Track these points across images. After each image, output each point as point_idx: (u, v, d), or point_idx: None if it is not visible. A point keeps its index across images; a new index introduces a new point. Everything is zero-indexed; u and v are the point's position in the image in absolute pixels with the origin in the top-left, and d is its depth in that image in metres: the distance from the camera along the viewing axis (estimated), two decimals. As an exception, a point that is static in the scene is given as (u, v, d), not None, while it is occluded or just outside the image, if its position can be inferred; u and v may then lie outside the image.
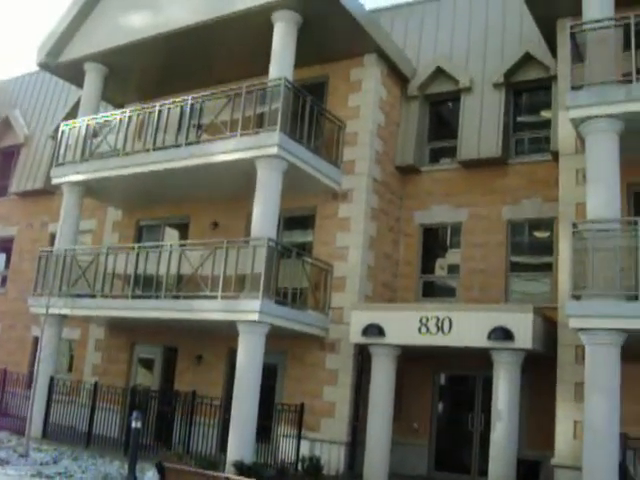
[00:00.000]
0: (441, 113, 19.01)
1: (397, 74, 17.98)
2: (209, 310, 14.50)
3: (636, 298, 10.62)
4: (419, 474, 15.90)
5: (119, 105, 20.97)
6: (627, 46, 11.54)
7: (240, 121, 15.08)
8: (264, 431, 14.57)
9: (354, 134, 16.69)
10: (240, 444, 13.47)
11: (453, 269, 17.39)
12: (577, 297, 11.14)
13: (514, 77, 17.28)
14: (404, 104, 18.36)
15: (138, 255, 16.21)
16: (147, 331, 18.43)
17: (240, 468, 12.59)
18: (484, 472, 13.46)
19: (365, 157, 16.52)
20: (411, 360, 15.66)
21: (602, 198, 11.32)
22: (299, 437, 15.02)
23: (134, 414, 13.36)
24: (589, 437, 10.68)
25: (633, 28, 11.39)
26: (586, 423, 10.83)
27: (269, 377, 15.40)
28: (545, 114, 16.98)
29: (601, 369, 10.74)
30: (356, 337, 14.66)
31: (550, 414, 13.01)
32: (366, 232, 16.21)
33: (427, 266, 17.76)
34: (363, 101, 16.85)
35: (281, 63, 15.42)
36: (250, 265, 14.07)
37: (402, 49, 18.55)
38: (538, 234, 16.55)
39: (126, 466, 13.36)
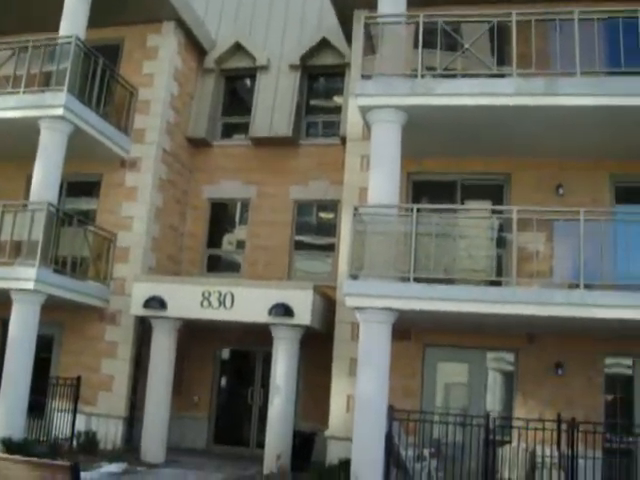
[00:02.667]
0: (236, 89, 19.03)
1: (195, 45, 17.72)
2: (-21, 277, 13.55)
3: (409, 280, 11.31)
4: (198, 448, 16.00)
5: None
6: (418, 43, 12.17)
7: (24, 77, 14.13)
8: (37, 406, 13.90)
9: (146, 102, 16.22)
10: (9, 420, 12.73)
11: (240, 245, 17.56)
12: (355, 277, 11.59)
13: (310, 61, 17.69)
14: (200, 76, 18.16)
15: None
16: None
17: (8, 445, 11.97)
18: (262, 444, 13.75)
19: (156, 127, 16.16)
20: (194, 334, 15.66)
21: (383, 184, 11.82)
22: (75, 412, 14.48)
23: None
24: (359, 409, 11.18)
25: (421, 27, 12.04)
26: (357, 396, 11.33)
27: (44, 349, 14.70)
28: (337, 99, 17.54)
29: (373, 346, 11.28)
30: (137, 309, 14.37)
31: (326, 388, 13.56)
32: (152, 203, 15.91)
33: (214, 240, 17.78)
34: (158, 69, 16.43)
35: (73, 20, 14.56)
36: (27, 231, 13.32)
37: (202, 20, 18.30)
38: (323, 215, 17.14)
39: None
